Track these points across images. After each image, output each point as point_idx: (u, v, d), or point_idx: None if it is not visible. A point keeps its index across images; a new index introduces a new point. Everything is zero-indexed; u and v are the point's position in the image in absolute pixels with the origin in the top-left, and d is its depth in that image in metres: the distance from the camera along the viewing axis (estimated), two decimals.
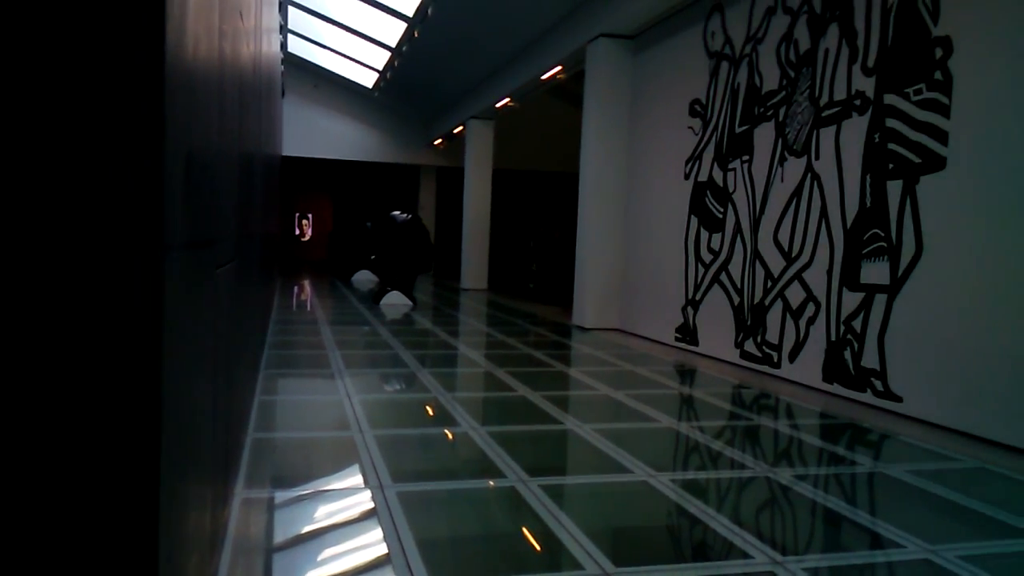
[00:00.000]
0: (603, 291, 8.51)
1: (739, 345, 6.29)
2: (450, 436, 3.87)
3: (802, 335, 5.49)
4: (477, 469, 3.35)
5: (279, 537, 2.56)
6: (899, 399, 4.57)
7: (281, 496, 2.91)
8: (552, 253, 13.44)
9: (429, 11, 9.51)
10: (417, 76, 13.49)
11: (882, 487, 3.30)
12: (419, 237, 10.56)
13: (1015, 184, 3.85)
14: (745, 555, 2.47)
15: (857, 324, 4.92)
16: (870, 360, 4.80)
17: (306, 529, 2.64)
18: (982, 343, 4.02)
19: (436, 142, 16.83)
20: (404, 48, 11.49)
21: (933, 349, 4.33)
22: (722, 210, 6.61)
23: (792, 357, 5.60)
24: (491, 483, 3.12)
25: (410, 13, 10.11)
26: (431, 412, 4.40)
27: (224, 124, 2.25)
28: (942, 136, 4.27)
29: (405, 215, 10.81)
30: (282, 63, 12.39)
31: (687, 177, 7.22)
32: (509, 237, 17.14)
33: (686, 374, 5.98)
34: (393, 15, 10.48)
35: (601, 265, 8.50)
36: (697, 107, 7.07)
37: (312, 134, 16.36)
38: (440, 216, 19.01)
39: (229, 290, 2.47)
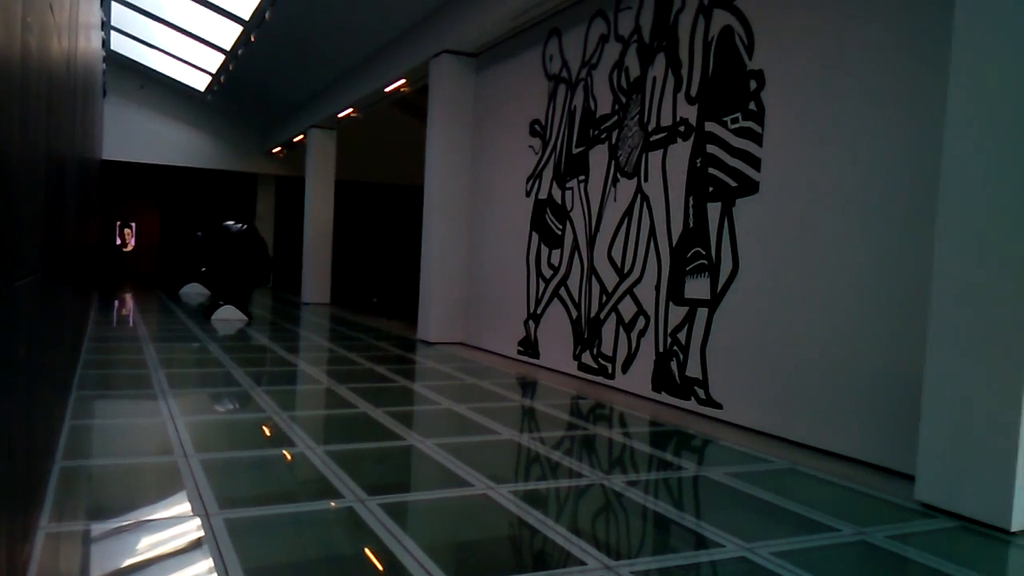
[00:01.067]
0: (447, 305, 8.54)
1: (577, 357, 6.51)
2: (285, 457, 3.73)
3: (634, 347, 5.75)
4: (313, 491, 3.24)
5: (94, 572, 2.36)
6: (720, 406, 4.89)
7: (97, 528, 2.68)
8: (397, 266, 13.33)
9: (267, 15, 9.19)
10: (254, 81, 12.99)
11: (705, 490, 3.51)
12: (255, 248, 10.13)
13: (817, 206, 4.25)
14: (580, 562, 2.54)
15: (682, 336, 5.22)
16: (694, 370, 5.11)
17: (125, 563, 2.44)
18: (791, 352, 4.39)
19: (275, 150, 16.25)
20: (240, 52, 11.03)
21: (748, 359, 4.68)
22: (561, 227, 6.82)
23: (625, 368, 5.86)
24: (328, 505, 3.03)
25: (246, 16, 9.72)
26: (265, 433, 4.22)
27: (27, 124, 2.06)
28: (756, 162, 4.64)
29: (240, 225, 10.34)
30: (104, 61, 11.53)
31: (528, 194, 7.40)
32: (354, 249, 16.82)
33: (527, 386, 6.11)
34: (228, 17, 10.04)
35: (446, 279, 8.52)
36: (537, 127, 7.28)
37: (137, 137, 15.30)
38: (280, 227, 18.35)
39: (30, 304, 2.25)
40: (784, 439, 4.39)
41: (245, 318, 9.96)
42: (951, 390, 3.16)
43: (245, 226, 10.33)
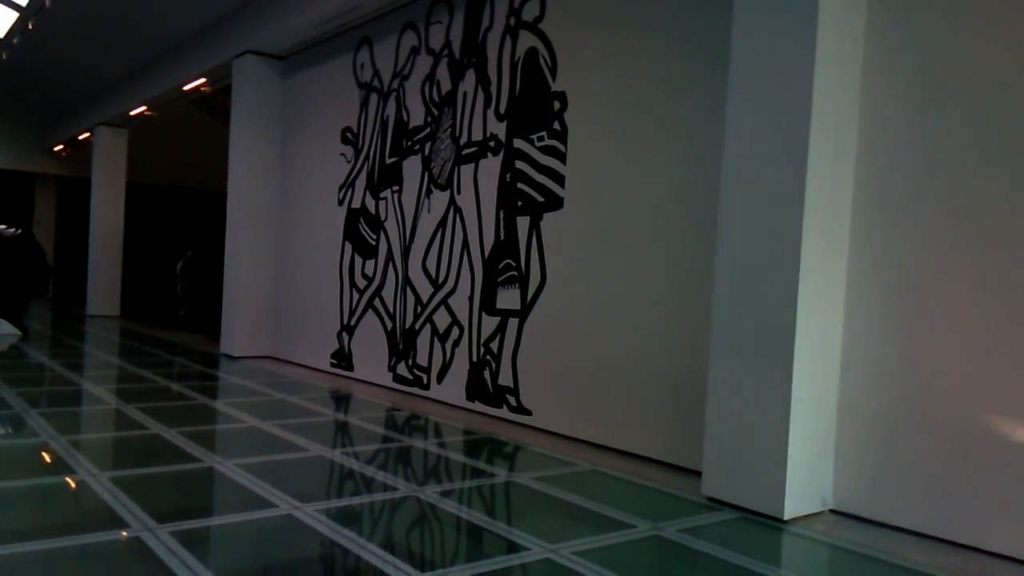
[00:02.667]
0: (255, 317, 8.16)
1: (392, 369, 6.45)
2: (65, 486, 3.38)
3: (448, 357, 5.80)
4: (96, 521, 2.97)
5: None
6: (529, 412, 5.05)
7: None
8: (200, 276, 12.55)
9: (46, 1, 8.35)
10: (32, 73, 11.73)
11: (515, 495, 3.61)
12: (31, 255, 9.15)
13: (616, 221, 4.51)
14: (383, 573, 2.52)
15: (495, 346, 5.34)
16: (505, 378, 5.24)
17: None
18: (593, 359, 4.62)
19: (57, 148, 14.76)
20: (15, 40, 9.93)
21: (555, 366, 4.87)
22: (375, 237, 6.75)
23: (440, 378, 5.89)
24: (113, 536, 2.79)
25: (23, 2, 8.77)
26: (42, 460, 3.81)
27: None
28: (561, 179, 4.86)
29: (13, 230, 9.29)
30: None
31: (341, 203, 7.25)
32: (149, 257, 15.62)
33: (341, 400, 5.97)
34: (2, 2, 9.01)
35: (252, 290, 8.14)
36: (349, 135, 7.16)
37: None
38: (61, 232, 16.67)
39: None
40: (588, 442, 4.61)
41: (19, 333, 8.95)
42: (730, 391, 3.47)
43: (19, 231, 9.31)
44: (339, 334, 7.19)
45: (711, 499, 3.53)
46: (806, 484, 3.32)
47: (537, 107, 5.04)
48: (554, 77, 4.94)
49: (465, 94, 5.72)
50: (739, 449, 3.42)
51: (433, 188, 6.05)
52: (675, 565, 2.90)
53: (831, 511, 3.42)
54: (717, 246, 3.56)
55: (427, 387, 6.02)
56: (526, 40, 5.18)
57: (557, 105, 4.89)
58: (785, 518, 3.26)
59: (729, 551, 2.92)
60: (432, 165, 6.06)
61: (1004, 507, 2.90)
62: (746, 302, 3.42)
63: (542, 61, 5.03)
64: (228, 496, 3.45)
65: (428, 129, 6.12)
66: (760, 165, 3.39)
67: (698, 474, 3.74)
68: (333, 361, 7.27)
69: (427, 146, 6.12)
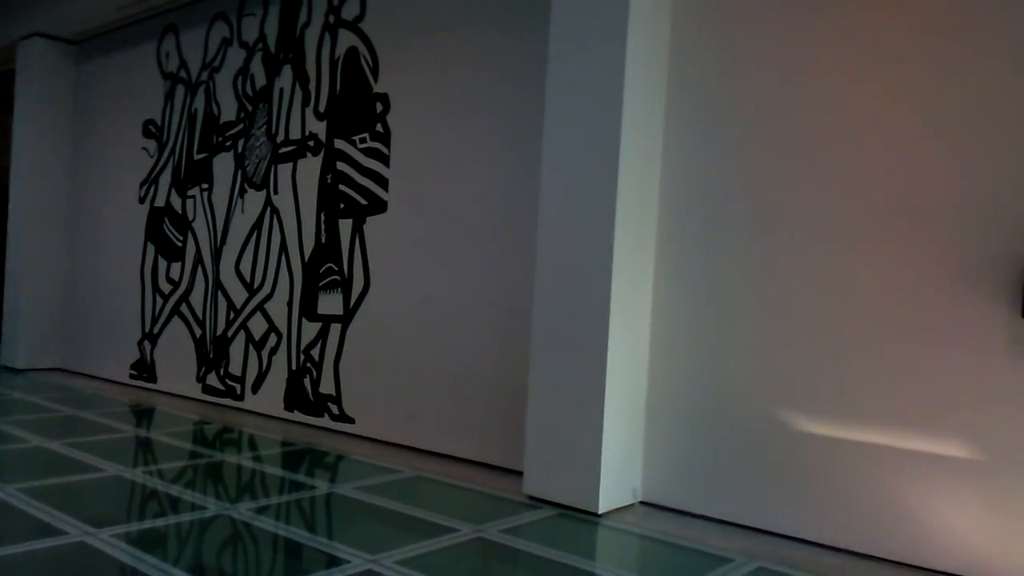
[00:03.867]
0: (41, 326, 7.38)
1: (202, 379, 6.07)
2: None
3: (265, 366, 5.55)
4: None
5: None
6: (352, 420, 4.93)
7: None
8: None
9: None
10: None
11: (337, 507, 3.51)
12: None
13: (440, 225, 4.52)
14: None
15: (316, 353, 5.17)
16: (327, 386, 5.09)
17: None
18: (416, 363, 4.60)
19: None
20: None
21: (379, 372, 4.80)
22: (181, 238, 6.32)
23: (255, 388, 5.62)
24: None
25: None
26: None
27: None
28: (384, 182, 4.79)
29: None
30: None
31: (142, 201, 6.73)
32: None
33: (142, 414, 5.53)
34: None
35: (38, 296, 7.36)
36: (152, 128, 6.66)
37: None
38: None
39: None
40: (413, 448, 4.58)
41: None
42: (550, 392, 3.57)
43: None
44: (140, 343, 6.67)
45: (532, 498, 3.62)
46: (618, 479, 3.49)
47: (359, 108, 4.95)
48: (376, 78, 4.87)
49: (282, 90, 5.50)
50: (558, 448, 3.53)
51: (247, 187, 5.76)
52: (496, 565, 2.94)
53: (641, 503, 3.62)
54: (536, 251, 3.66)
55: (241, 398, 5.72)
56: (346, 39, 5.06)
57: (380, 107, 4.82)
58: (600, 512, 3.40)
59: (547, 547, 3.00)
60: (246, 163, 5.78)
61: (793, 493, 3.20)
62: (563, 304, 3.54)
63: (363, 61, 4.94)
64: (8, 525, 3.08)
65: (241, 125, 5.83)
66: (575, 170, 3.52)
67: (521, 474, 3.81)
68: (133, 372, 6.73)
69: (240, 143, 5.82)
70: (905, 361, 2.93)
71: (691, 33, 3.55)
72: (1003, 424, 2.72)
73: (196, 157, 6.21)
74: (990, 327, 2.75)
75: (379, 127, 4.82)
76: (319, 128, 5.21)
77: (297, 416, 5.29)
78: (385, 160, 4.78)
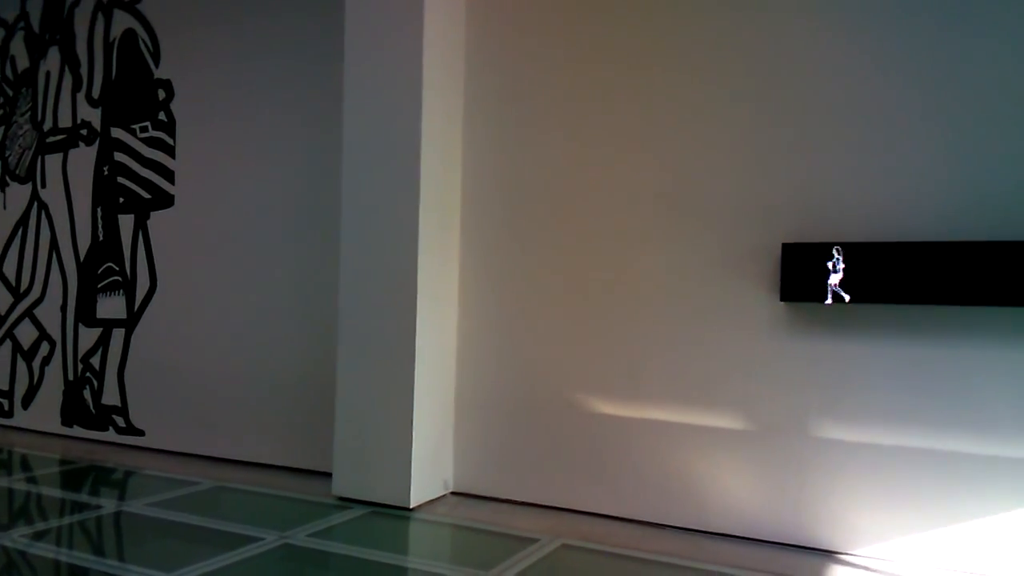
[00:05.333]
0: None
1: None
2: None
3: (36, 378, 5.01)
4: None
5: None
6: (142, 433, 4.58)
7: None
8: None
9: None
10: None
11: (128, 526, 3.25)
12: None
13: (235, 220, 4.29)
14: None
15: (96, 361, 4.74)
16: (111, 397, 4.69)
17: None
18: (212, 368, 4.35)
19: None
20: None
21: (171, 380, 4.49)
22: None
23: (26, 403, 5.06)
24: None
25: None
26: None
27: None
28: (170, 175, 4.47)
29: None
30: None
31: None
32: None
33: None
34: None
35: None
36: None
37: None
38: None
39: None
40: (212, 457, 4.34)
41: None
42: (358, 390, 3.52)
43: None
44: None
45: (342, 499, 3.56)
46: (429, 471, 3.52)
47: (138, 94, 4.58)
48: (157, 63, 4.53)
49: (48, 74, 4.97)
50: (367, 445, 3.49)
51: (10, 180, 5.15)
52: (304, 570, 2.87)
53: (453, 493, 3.67)
54: (340, 246, 3.58)
55: (9, 414, 5.13)
56: (122, 20, 4.66)
57: (162, 94, 4.49)
58: (411, 506, 3.42)
59: (357, 547, 2.97)
60: (8, 153, 5.16)
61: (593, 473, 3.38)
62: (370, 302, 3.50)
63: (142, 45, 4.58)
64: None
65: (1, 111, 5.20)
66: (377, 163, 3.49)
67: (330, 476, 3.73)
68: None
69: (0, 131, 5.20)
70: (686, 344, 3.20)
71: (485, 34, 3.63)
72: (767, 396, 3.05)
73: None
74: (756, 310, 3.07)
75: (162, 115, 4.49)
76: (93, 116, 4.76)
77: (77, 431, 4.83)
78: (170, 151, 4.47)
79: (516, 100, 3.56)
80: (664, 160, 3.25)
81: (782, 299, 2.93)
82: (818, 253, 2.85)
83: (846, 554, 2.92)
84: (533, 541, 3.04)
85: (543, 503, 3.49)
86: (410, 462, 3.40)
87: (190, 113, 4.43)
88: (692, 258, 3.19)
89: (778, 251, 2.98)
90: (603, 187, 3.37)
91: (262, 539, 3.02)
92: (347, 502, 3.52)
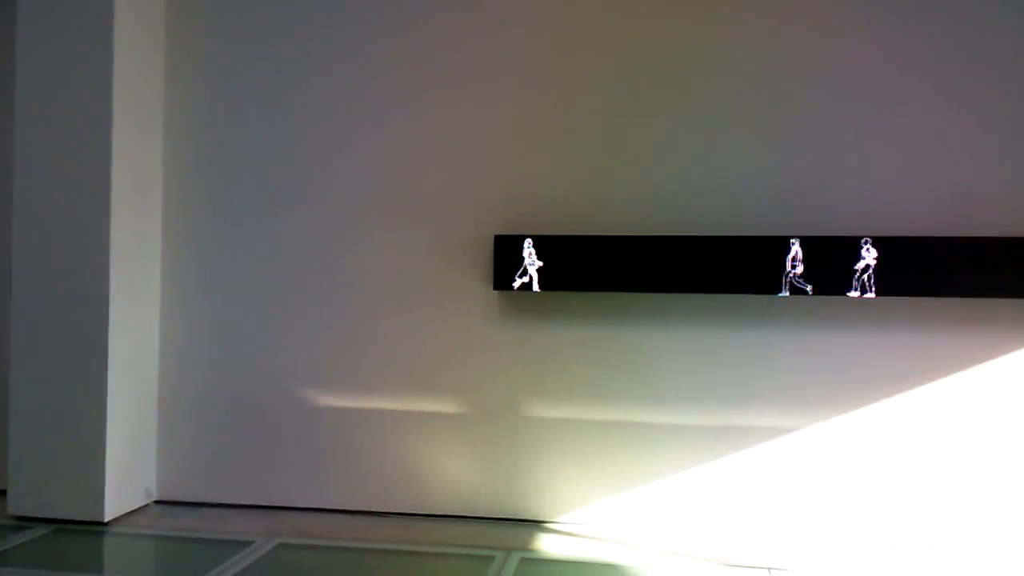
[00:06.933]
0: None
1: None
2: None
3: None
4: None
5: None
6: None
7: None
8: None
9: None
10: None
11: None
12: None
13: None
14: None
15: None
16: None
17: None
18: None
19: None
20: None
21: None
22: None
23: None
24: None
25: None
26: None
27: None
28: None
29: None
30: None
31: None
32: None
33: None
34: None
35: None
36: None
37: None
38: None
39: None
40: None
41: None
42: (37, 395, 3.11)
43: None
44: None
45: (20, 518, 3.12)
46: (127, 481, 3.21)
47: None
48: None
49: None
50: (50, 458, 3.09)
51: None
52: None
53: (157, 502, 3.38)
54: (13, 246, 3.13)
55: None
56: None
57: None
58: (106, 520, 3.09)
59: (38, 570, 2.62)
60: None
61: (314, 468, 3.30)
62: (52, 305, 3.09)
63: None
64: None
65: None
66: (60, 143, 3.10)
67: (4, 494, 3.26)
68: None
69: None
70: (405, 332, 3.24)
71: (189, 17, 3.38)
72: (483, 380, 3.19)
73: None
74: (470, 298, 3.19)
75: None
76: None
77: None
78: None
79: (223, 87, 3.36)
80: (382, 153, 3.26)
81: (495, 288, 3.07)
82: (522, 245, 3.04)
83: (553, 522, 3.15)
84: (248, 544, 2.89)
85: (261, 504, 3.34)
86: (103, 472, 3.07)
87: None
88: (411, 249, 3.24)
89: (491, 242, 3.12)
90: (320, 178, 3.29)
91: None
92: (27, 521, 3.09)
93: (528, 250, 3.03)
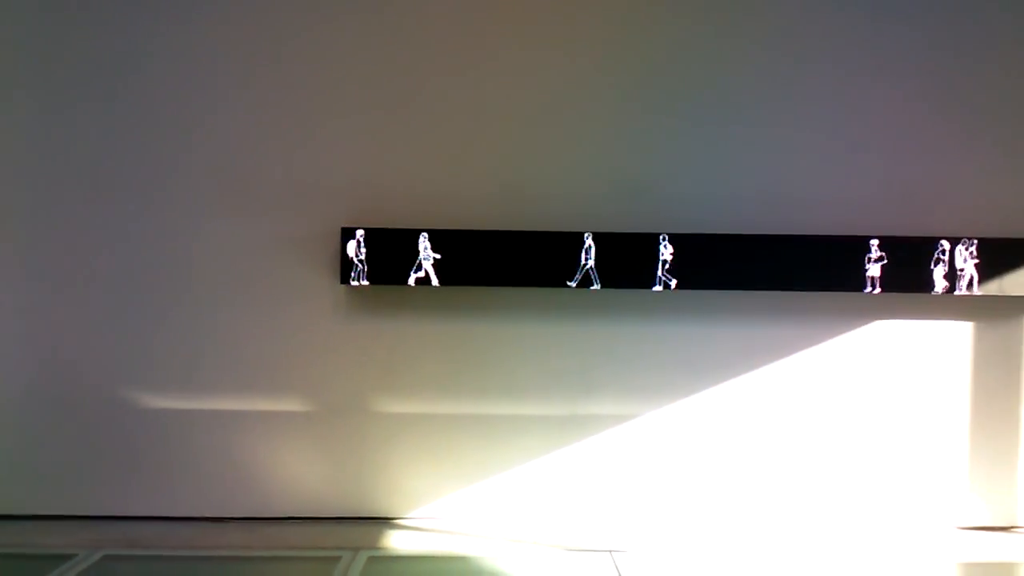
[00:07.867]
0: None
1: None
2: None
3: None
4: None
5: None
6: None
7: None
8: None
9: None
10: None
11: None
12: None
13: None
14: None
15: None
16: None
17: None
18: None
19: None
20: None
21: None
22: None
23: None
24: None
25: None
26: None
27: None
28: None
29: None
30: None
31: None
32: None
33: None
34: None
35: None
36: None
37: None
38: None
39: None
40: None
41: None
42: None
43: None
44: None
45: None
46: None
47: None
48: None
49: None
50: None
51: None
52: None
53: None
54: None
55: None
56: None
57: None
58: None
59: None
60: None
61: (145, 474, 3.09)
62: None
63: None
64: None
65: None
66: None
67: None
68: None
69: None
70: (247, 328, 3.09)
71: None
72: (330, 376, 3.10)
73: None
74: (318, 292, 3.09)
75: None
76: None
77: None
78: None
79: (43, 66, 3.08)
80: (224, 138, 3.10)
81: (342, 282, 3.00)
82: (372, 237, 2.98)
83: (403, 519, 3.11)
84: (69, 557, 2.67)
85: (84, 514, 3.08)
86: None
87: None
88: (254, 240, 3.10)
89: (339, 235, 3.04)
90: (152, 159, 3.08)
91: None
92: None
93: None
